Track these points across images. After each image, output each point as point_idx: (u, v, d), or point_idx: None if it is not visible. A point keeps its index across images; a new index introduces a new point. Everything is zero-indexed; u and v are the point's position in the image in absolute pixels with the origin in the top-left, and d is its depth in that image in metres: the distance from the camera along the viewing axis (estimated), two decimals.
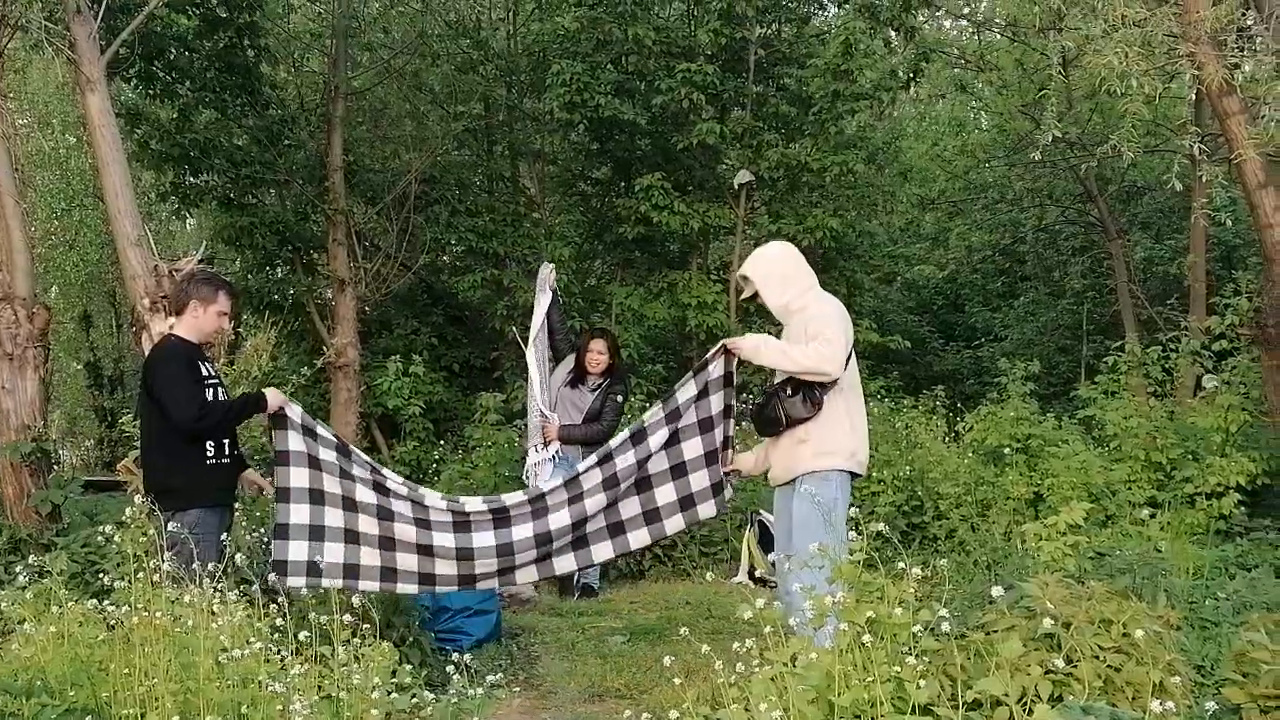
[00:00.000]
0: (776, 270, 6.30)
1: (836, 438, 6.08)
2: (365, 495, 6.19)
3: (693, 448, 6.49)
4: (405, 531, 6.21)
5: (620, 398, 9.84)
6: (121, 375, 23.37)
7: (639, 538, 6.64)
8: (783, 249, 6.48)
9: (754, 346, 6.19)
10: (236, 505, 6.89)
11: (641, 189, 14.76)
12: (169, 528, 5.39)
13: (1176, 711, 3.80)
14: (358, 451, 6.42)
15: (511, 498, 6.46)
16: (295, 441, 6.14)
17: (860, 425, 6.23)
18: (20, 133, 11.87)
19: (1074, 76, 16.59)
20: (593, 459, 6.47)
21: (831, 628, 4.23)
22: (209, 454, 6.21)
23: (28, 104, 20.16)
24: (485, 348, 17.44)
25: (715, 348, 6.44)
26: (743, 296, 6.62)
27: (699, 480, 6.53)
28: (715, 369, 6.38)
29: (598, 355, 9.77)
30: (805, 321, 6.13)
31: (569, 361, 9.73)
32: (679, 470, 6.52)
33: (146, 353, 8.72)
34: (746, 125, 15.21)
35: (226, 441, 6.33)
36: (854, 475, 6.27)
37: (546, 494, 6.40)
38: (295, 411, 6.21)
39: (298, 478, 6.10)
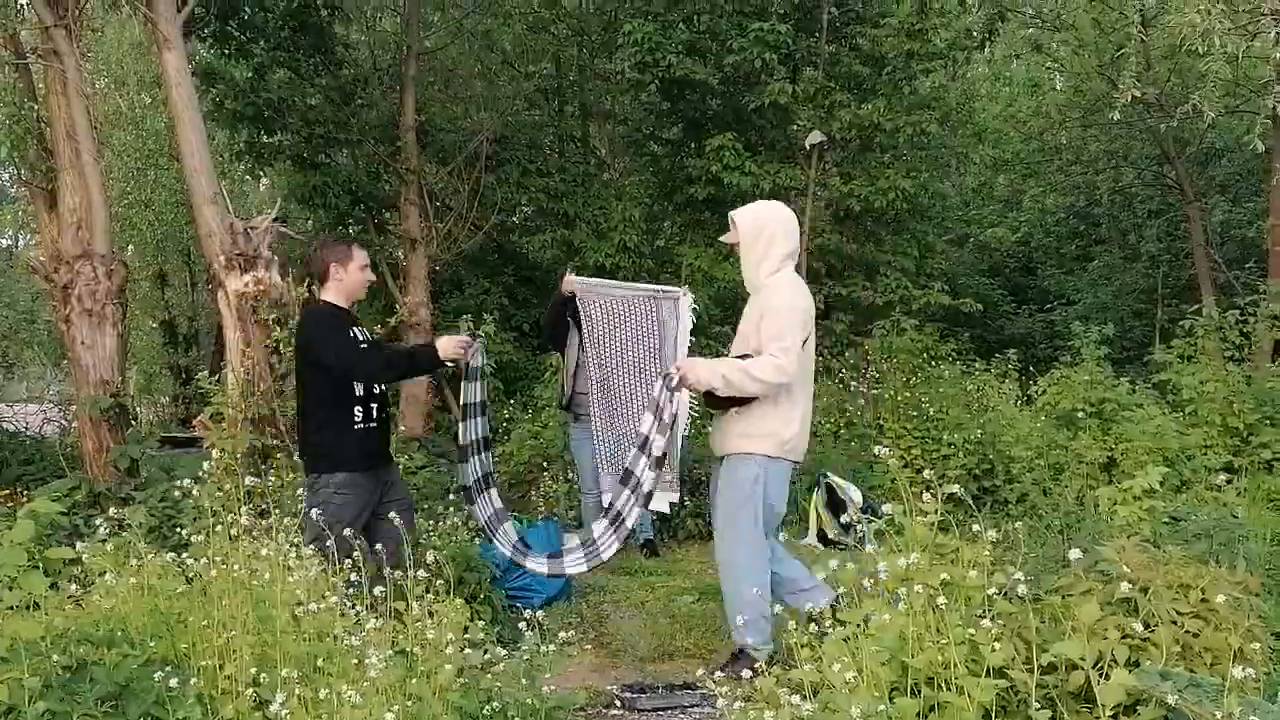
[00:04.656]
0: (766, 230, 6.25)
1: (766, 423, 6.14)
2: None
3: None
4: None
5: None
6: (196, 333, 23.65)
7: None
8: (779, 210, 6.40)
9: (712, 375, 6.06)
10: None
11: (712, 149, 14.67)
12: (316, 488, 6.00)
13: (1256, 678, 3.76)
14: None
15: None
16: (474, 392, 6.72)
17: (795, 413, 6.21)
18: (98, 93, 11.97)
19: (1153, 36, 16.34)
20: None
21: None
22: (356, 418, 6.24)
23: (103, 64, 20.36)
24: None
25: (670, 375, 6.21)
26: (724, 238, 6.57)
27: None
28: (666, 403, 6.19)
29: None
30: (763, 309, 6.13)
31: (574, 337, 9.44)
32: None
33: (222, 310, 8.86)
34: (819, 85, 15.06)
35: (374, 405, 6.36)
36: (793, 463, 6.37)
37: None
38: (479, 361, 6.62)
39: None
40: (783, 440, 6.16)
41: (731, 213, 6.45)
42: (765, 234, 6.23)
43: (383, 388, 6.45)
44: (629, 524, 6.32)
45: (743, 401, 6.12)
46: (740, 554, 6.14)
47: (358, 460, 6.20)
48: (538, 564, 6.63)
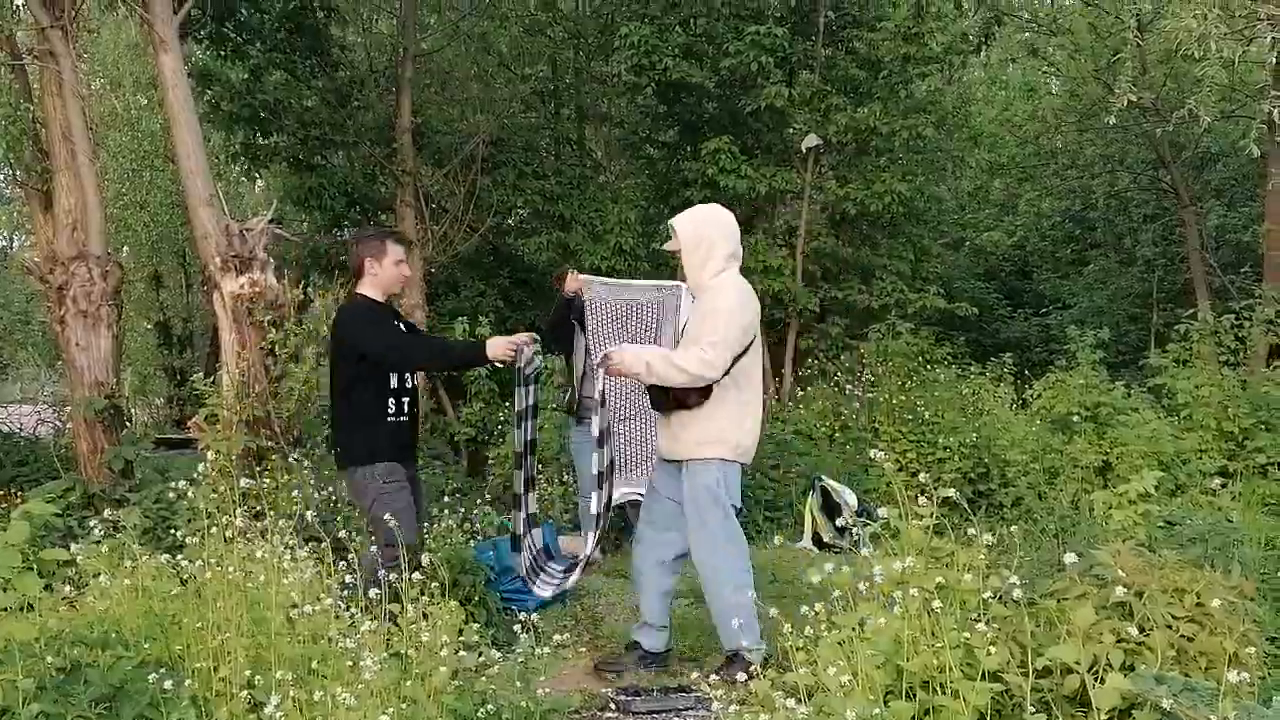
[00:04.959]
0: (706, 235, 6.24)
1: (719, 428, 6.14)
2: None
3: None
4: None
5: None
6: (191, 335, 23.62)
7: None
8: (718, 214, 6.40)
9: (636, 360, 6.10)
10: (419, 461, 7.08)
11: (708, 152, 14.65)
12: (360, 484, 6.08)
13: (1251, 682, 3.76)
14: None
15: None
16: (526, 397, 6.56)
17: (747, 417, 6.24)
18: (94, 94, 11.96)
19: (1149, 40, 16.35)
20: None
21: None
22: (389, 411, 6.29)
23: (99, 65, 20.35)
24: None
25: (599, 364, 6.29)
26: (665, 246, 6.58)
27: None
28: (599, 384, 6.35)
29: None
30: (704, 312, 6.13)
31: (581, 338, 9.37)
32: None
33: (217, 311, 8.86)
34: (815, 89, 15.05)
35: (406, 400, 6.40)
36: (744, 465, 6.40)
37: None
38: (532, 366, 6.49)
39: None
40: (736, 444, 6.18)
41: (670, 220, 6.47)
42: (705, 239, 6.23)
43: (414, 383, 6.49)
44: (594, 510, 6.39)
45: (685, 405, 6.13)
46: (717, 557, 6.14)
47: (390, 451, 6.25)
48: (543, 588, 6.65)
